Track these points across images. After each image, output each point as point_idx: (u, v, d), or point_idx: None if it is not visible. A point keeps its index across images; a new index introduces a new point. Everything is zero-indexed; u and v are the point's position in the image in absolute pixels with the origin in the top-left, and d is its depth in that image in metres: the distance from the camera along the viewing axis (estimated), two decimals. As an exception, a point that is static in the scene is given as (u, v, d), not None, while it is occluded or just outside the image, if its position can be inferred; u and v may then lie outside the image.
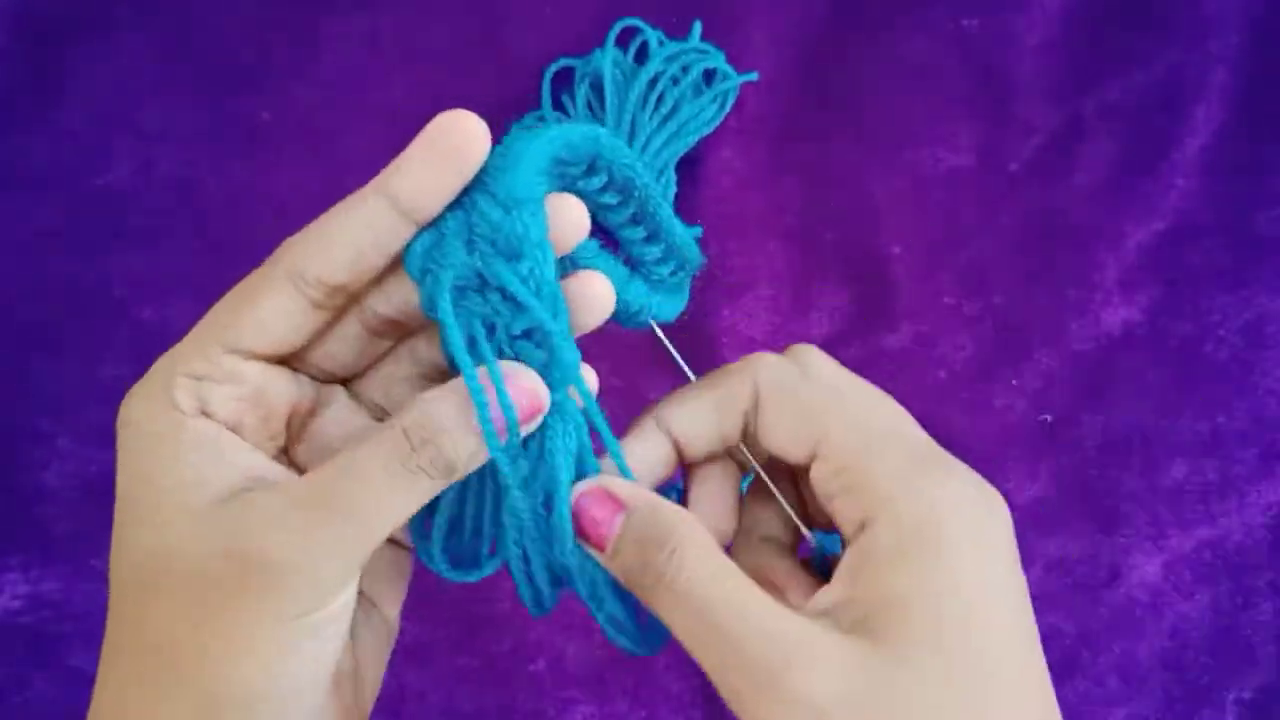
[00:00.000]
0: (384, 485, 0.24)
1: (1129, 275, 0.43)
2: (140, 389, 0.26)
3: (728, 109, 0.42)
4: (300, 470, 0.28)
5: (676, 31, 0.43)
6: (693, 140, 0.41)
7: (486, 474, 0.28)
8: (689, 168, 0.42)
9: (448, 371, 0.28)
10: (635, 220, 0.32)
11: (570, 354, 0.26)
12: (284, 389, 0.27)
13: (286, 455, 0.28)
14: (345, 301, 0.27)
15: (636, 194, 0.30)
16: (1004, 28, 0.43)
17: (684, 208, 0.42)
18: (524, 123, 0.41)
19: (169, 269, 0.42)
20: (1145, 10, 0.43)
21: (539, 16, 0.43)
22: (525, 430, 0.26)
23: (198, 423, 0.25)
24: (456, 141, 0.25)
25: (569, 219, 0.27)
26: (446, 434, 0.25)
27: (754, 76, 0.42)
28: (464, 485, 0.28)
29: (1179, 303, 0.43)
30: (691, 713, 0.42)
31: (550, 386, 0.26)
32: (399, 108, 0.42)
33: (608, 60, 0.40)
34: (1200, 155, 0.43)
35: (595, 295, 0.28)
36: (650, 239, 0.33)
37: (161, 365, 0.26)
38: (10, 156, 0.41)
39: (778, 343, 0.43)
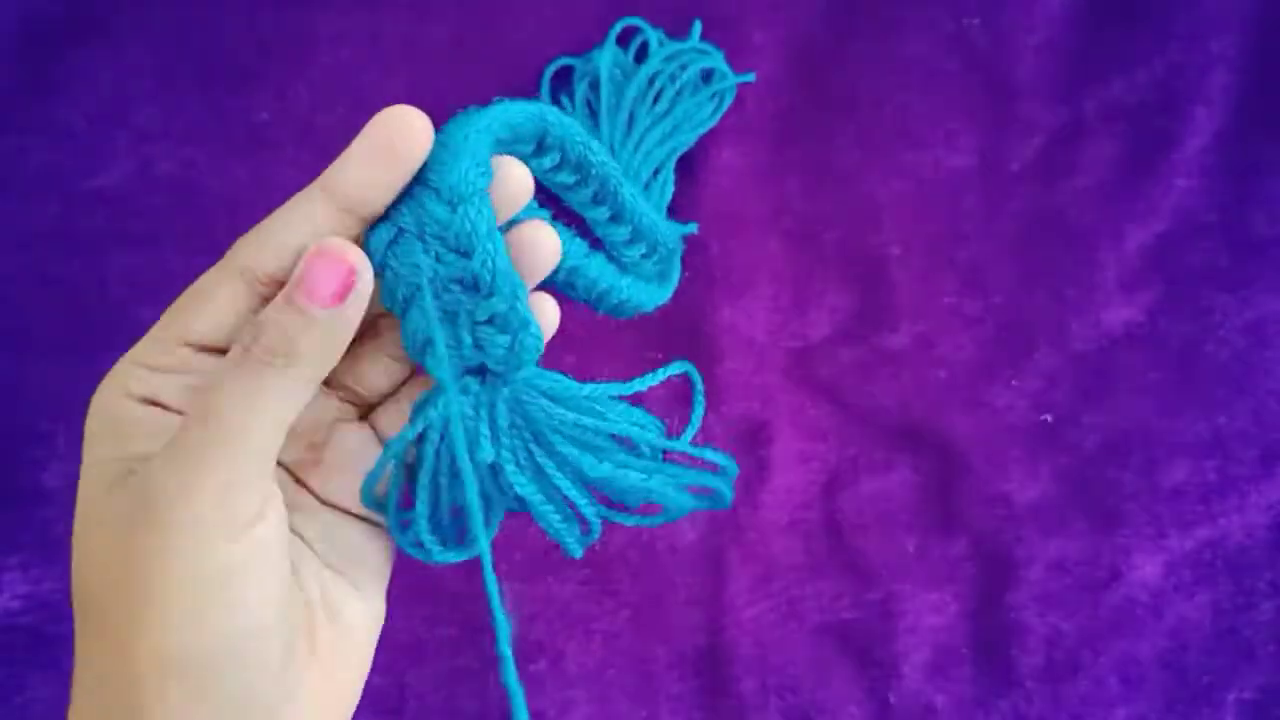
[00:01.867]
0: (235, 388, 0.24)
1: (1130, 275, 0.43)
2: (104, 382, 0.27)
3: (725, 108, 0.42)
4: (293, 476, 0.29)
5: (677, 31, 0.43)
6: (690, 139, 0.41)
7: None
8: (688, 167, 0.42)
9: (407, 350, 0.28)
10: (597, 200, 0.32)
11: (534, 338, 0.27)
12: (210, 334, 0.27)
13: (301, 485, 0.29)
14: None
15: (594, 172, 0.30)
16: (1005, 28, 0.43)
17: (684, 207, 0.42)
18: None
19: (168, 269, 0.41)
20: (1146, 10, 0.43)
21: (539, 15, 0.43)
22: (344, 308, 0.25)
23: (147, 411, 0.26)
24: (396, 138, 0.26)
25: (511, 182, 0.28)
26: (273, 319, 0.25)
27: (751, 77, 0.42)
28: (434, 460, 0.28)
29: (1180, 303, 0.43)
30: (692, 713, 0.42)
31: (516, 367, 0.27)
32: (399, 107, 0.42)
33: (606, 58, 0.40)
34: (1201, 155, 0.43)
35: (539, 242, 0.28)
36: (615, 219, 0.33)
37: (122, 359, 0.27)
38: (9, 156, 0.41)
39: (778, 343, 0.43)
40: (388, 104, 0.42)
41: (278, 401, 0.25)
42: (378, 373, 0.30)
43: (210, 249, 0.42)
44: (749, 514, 0.42)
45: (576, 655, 0.42)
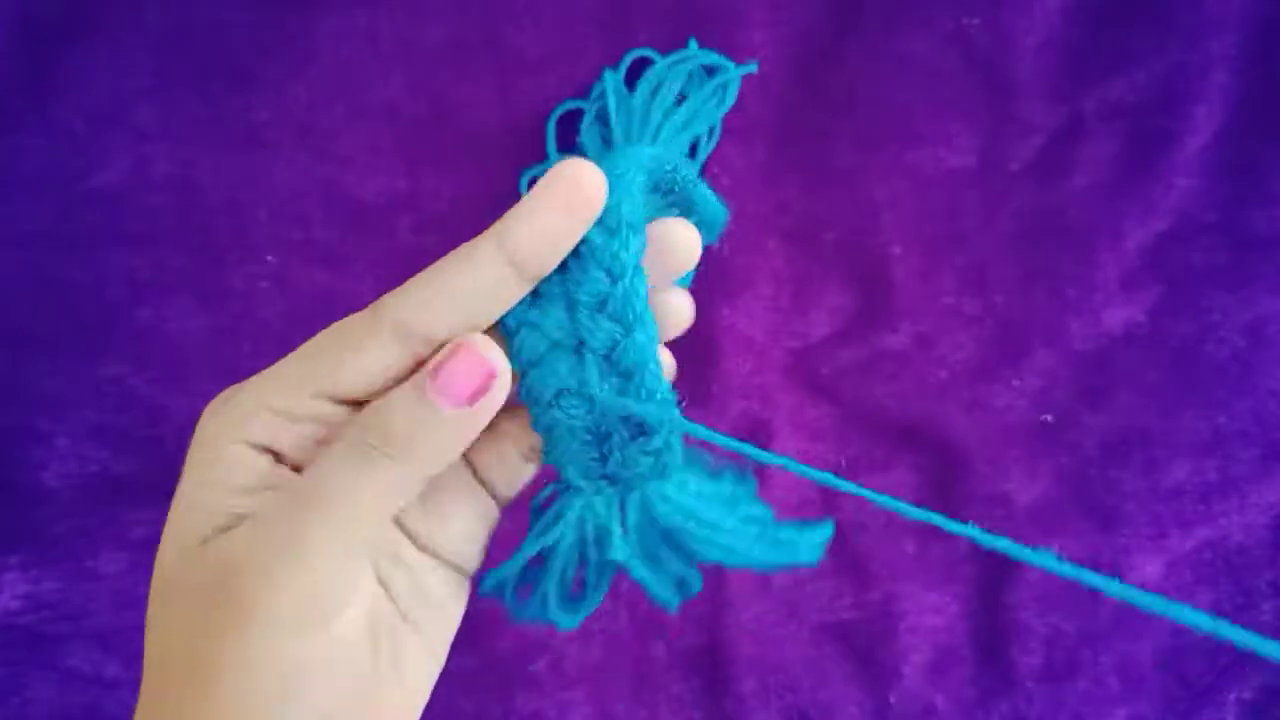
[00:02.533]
0: (348, 475, 0.24)
1: (1130, 275, 0.43)
2: (224, 408, 0.25)
3: (731, 98, 0.41)
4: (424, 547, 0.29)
5: (677, 30, 0.43)
6: (700, 130, 0.41)
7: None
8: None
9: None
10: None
11: (675, 458, 0.27)
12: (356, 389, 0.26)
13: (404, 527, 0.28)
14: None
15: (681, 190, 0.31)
16: (1005, 27, 0.43)
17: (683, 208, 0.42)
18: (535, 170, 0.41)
19: (167, 269, 0.41)
20: (1146, 10, 0.43)
21: (539, 15, 0.42)
22: (478, 411, 0.25)
23: (261, 460, 0.25)
24: (578, 192, 0.25)
25: (680, 248, 0.27)
26: (397, 409, 0.24)
27: (753, 67, 0.42)
28: (568, 556, 0.28)
29: (1180, 302, 0.43)
30: (691, 713, 0.42)
31: (651, 480, 0.27)
32: (398, 107, 0.42)
33: (610, 81, 0.40)
34: (1201, 155, 0.43)
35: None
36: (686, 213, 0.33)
37: (245, 395, 0.25)
38: (7, 156, 0.41)
39: (778, 342, 0.43)
40: (388, 104, 0.42)
41: (386, 496, 0.24)
42: (494, 455, 0.29)
43: (210, 249, 0.42)
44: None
45: (576, 655, 0.42)
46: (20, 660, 0.41)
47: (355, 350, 0.25)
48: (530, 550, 0.28)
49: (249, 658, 0.23)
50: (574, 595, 0.29)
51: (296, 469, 0.25)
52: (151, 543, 0.41)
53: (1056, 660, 0.42)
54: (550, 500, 0.29)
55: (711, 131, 0.41)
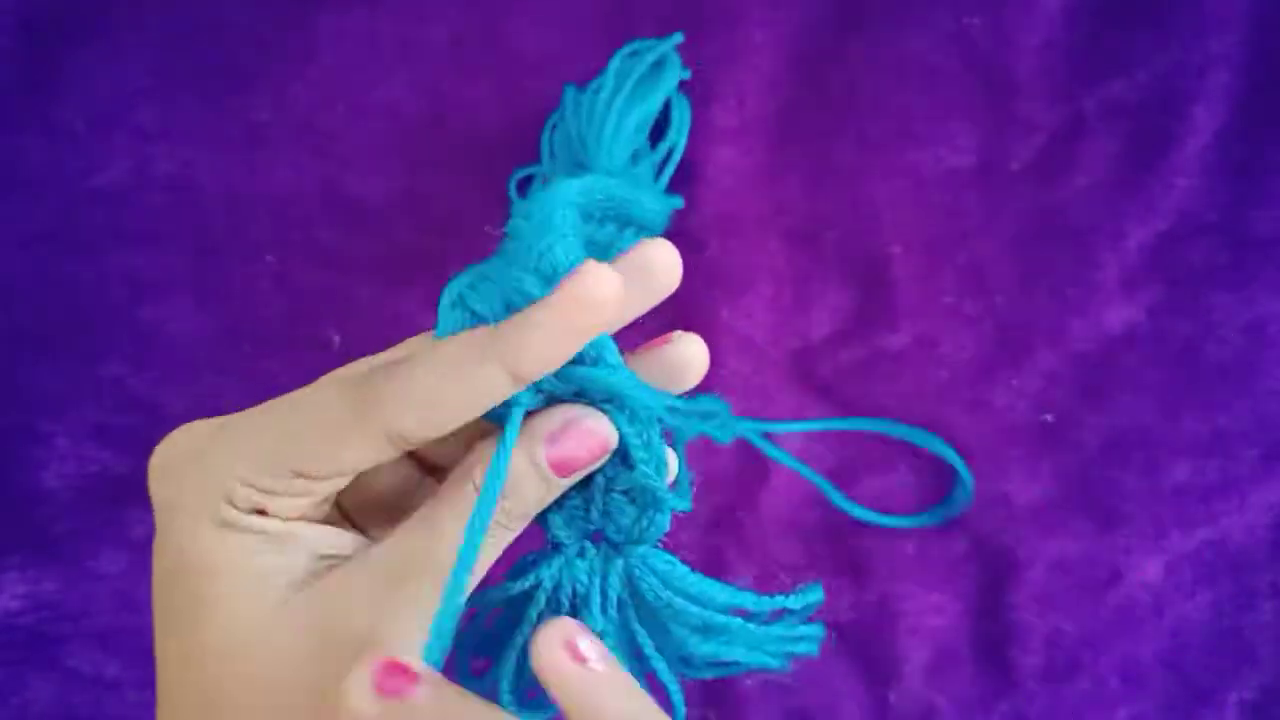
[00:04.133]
0: (486, 545, 0.24)
1: (1130, 275, 0.43)
2: (189, 480, 0.25)
3: (673, 74, 0.40)
4: (348, 519, 0.28)
5: (677, 30, 0.43)
6: (652, 108, 0.40)
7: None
8: (689, 167, 0.42)
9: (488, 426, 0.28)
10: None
11: (664, 519, 0.27)
12: (348, 479, 0.26)
13: (338, 508, 0.28)
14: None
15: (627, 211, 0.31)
16: (1005, 27, 0.43)
17: (684, 208, 0.42)
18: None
19: (168, 269, 0.41)
20: (1146, 10, 0.43)
21: (539, 15, 0.42)
22: (586, 470, 0.26)
23: (257, 520, 0.24)
24: (591, 313, 0.23)
25: (659, 269, 0.27)
26: (516, 483, 0.25)
27: (679, 37, 0.41)
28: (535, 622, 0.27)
29: (1180, 302, 0.43)
30: (690, 713, 0.42)
31: (637, 541, 0.27)
32: (398, 106, 0.42)
33: (567, 96, 0.40)
34: (1202, 154, 0.43)
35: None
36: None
37: (218, 460, 0.25)
38: (8, 157, 0.41)
39: (778, 342, 0.43)
40: (388, 104, 0.42)
41: (496, 556, 0.26)
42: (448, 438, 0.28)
43: (210, 249, 0.42)
44: (749, 514, 0.42)
45: (576, 655, 0.42)
46: (20, 660, 0.41)
47: (339, 444, 0.24)
48: (491, 598, 0.27)
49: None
50: (530, 697, 0.28)
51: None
52: (152, 543, 0.41)
53: (1057, 660, 0.42)
54: (533, 561, 0.28)
55: (670, 120, 0.41)
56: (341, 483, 0.25)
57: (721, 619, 0.28)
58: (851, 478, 0.43)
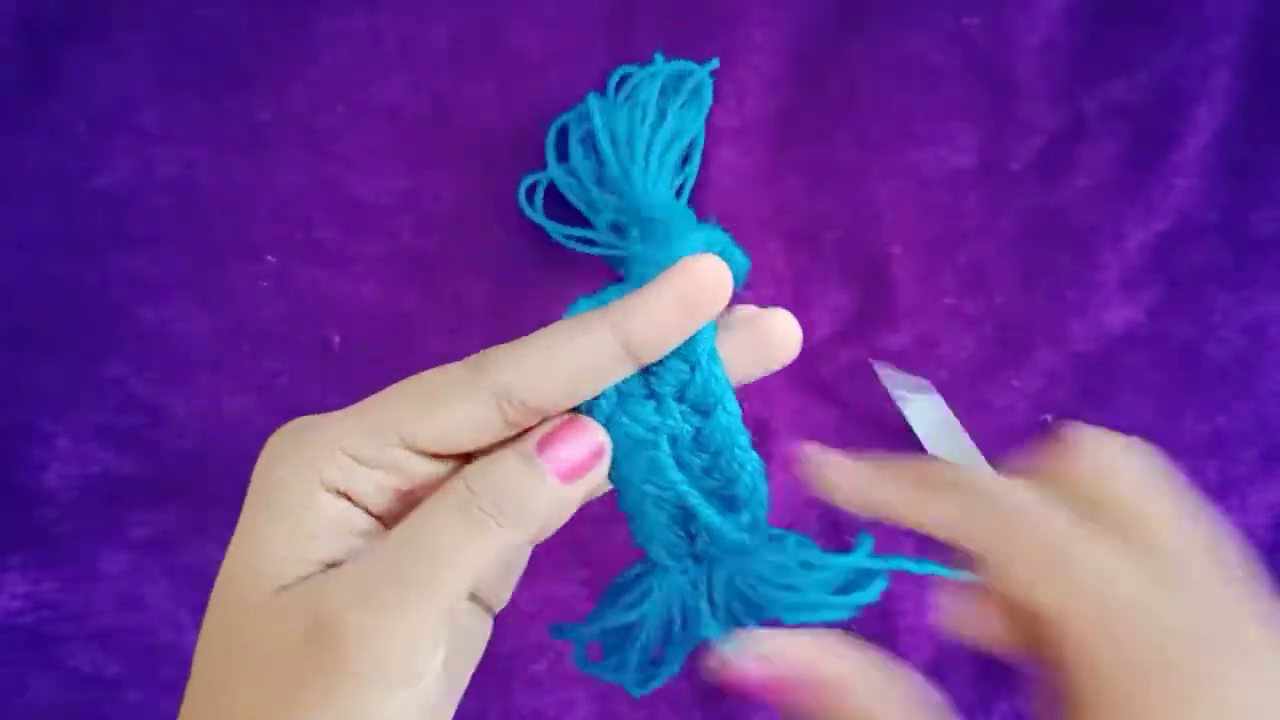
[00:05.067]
0: (453, 537, 0.24)
1: (1131, 275, 0.43)
2: (292, 447, 0.25)
3: (707, 102, 0.41)
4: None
5: (678, 29, 0.43)
6: (685, 140, 0.40)
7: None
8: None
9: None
10: None
11: (762, 536, 0.28)
12: (433, 476, 0.26)
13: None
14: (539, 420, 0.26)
15: None
16: (1006, 27, 0.43)
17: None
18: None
19: (169, 269, 0.41)
20: (1147, 10, 0.43)
21: (540, 15, 0.42)
22: (580, 484, 0.26)
23: (337, 505, 0.24)
24: (707, 295, 0.25)
25: (780, 334, 0.28)
26: (503, 473, 0.24)
27: (715, 63, 0.40)
28: (650, 637, 0.28)
29: (1181, 303, 0.43)
30: (691, 713, 0.42)
31: (737, 556, 0.27)
32: (399, 107, 0.42)
33: (593, 106, 0.39)
34: (1202, 155, 0.43)
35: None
36: None
37: (324, 434, 0.25)
38: (9, 157, 0.41)
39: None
40: (388, 104, 0.42)
41: (487, 559, 0.24)
42: None
43: (212, 249, 0.42)
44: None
45: (577, 655, 0.42)
46: (20, 660, 0.41)
47: (448, 406, 0.24)
48: (613, 622, 0.28)
49: (340, 712, 0.23)
50: (649, 666, 0.29)
51: (370, 514, 0.25)
52: (152, 543, 0.41)
53: (1057, 660, 0.42)
54: (635, 578, 0.29)
55: (693, 142, 0.41)
56: (431, 472, 0.25)
57: (817, 597, 0.28)
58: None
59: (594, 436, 0.26)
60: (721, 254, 0.30)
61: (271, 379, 0.42)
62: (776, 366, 0.28)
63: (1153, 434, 0.43)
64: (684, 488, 0.27)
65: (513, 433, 0.26)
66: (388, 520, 0.26)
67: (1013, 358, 0.43)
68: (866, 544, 0.29)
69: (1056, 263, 0.43)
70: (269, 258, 0.42)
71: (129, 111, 0.42)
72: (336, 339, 0.42)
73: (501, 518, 0.24)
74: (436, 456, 0.25)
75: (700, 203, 0.42)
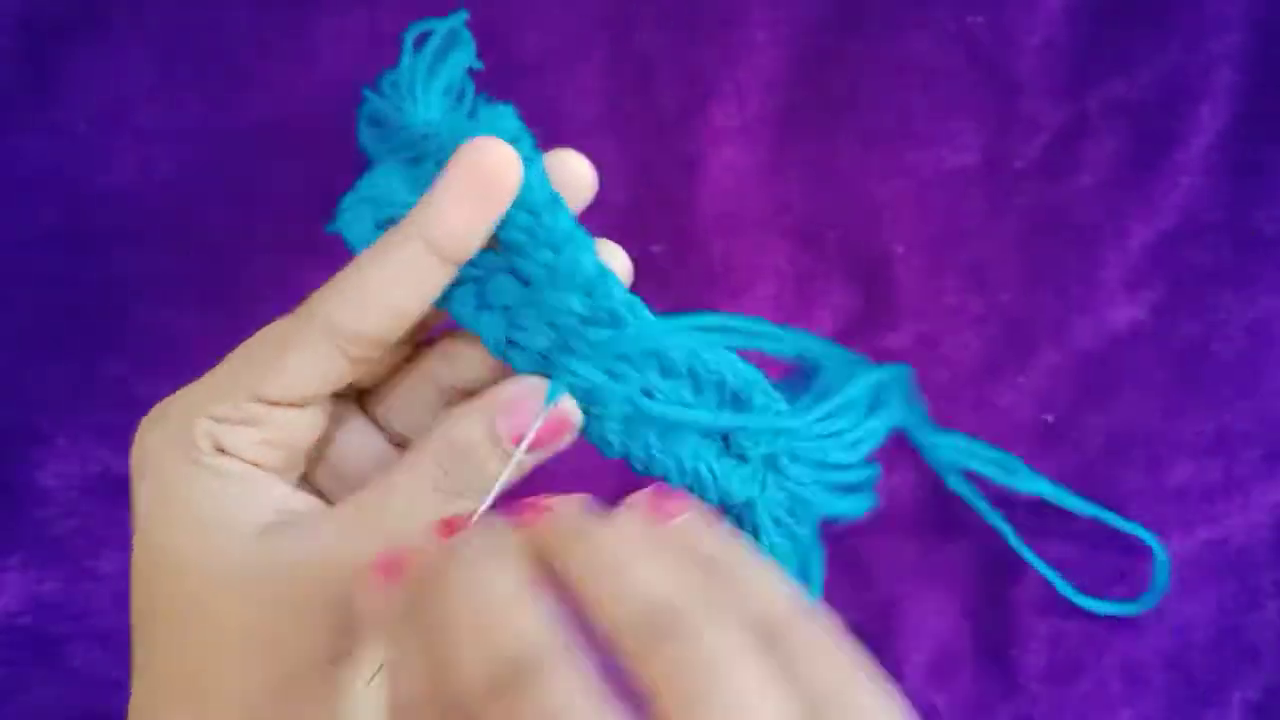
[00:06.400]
0: (427, 513, 0.24)
1: (1134, 274, 0.43)
2: (156, 428, 0.25)
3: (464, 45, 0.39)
4: (320, 495, 0.28)
5: (678, 29, 0.42)
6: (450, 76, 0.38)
7: None
8: (689, 168, 0.42)
9: (460, 394, 0.28)
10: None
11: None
12: (306, 426, 0.26)
13: (305, 481, 0.28)
14: (385, 352, 0.26)
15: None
16: (1008, 26, 0.43)
17: (684, 208, 0.42)
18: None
19: (169, 269, 0.41)
20: (1149, 8, 0.43)
21: (540, 15, 0.42)
22: (547, 452, 0.26)
23: (222, 460, 0.25)
24: (489, 173, 0.24)
25: (574, 175, 0.27)
26: (475, 455, 0.24)
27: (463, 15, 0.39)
28: None
29: (1184, 301, 0.43)
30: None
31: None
32: (399, 107, 0.42)
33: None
34: (1205, 153, 0.43)
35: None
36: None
37: (180, 405, 0.25)
38: (9, 157, 0.41)
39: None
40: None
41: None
42: (415, 404, 0.29)
43: (212, 249, 0.42)
44: (750, 514, 0.42)
45: (577, 656, 0.42)
46: (21, 660, 0.41)
47: (286, 355, 0.25)
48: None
49: (326, 680, 0.24)
50: None
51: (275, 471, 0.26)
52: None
53: (1059, 661, 0.42)
54: None
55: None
56: (298, 420, 0.26)
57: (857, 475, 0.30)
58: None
59: (567, 415, 0.25)
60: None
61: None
62: (581, 205, 0.28)
63: (1155, 433, 0.43)
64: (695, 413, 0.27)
65: (362, 370, 0.26)
66: (280, 472, 0.26)
67: (1016, 356, 0.43)
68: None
69: (1059, 261, 0.43)
70: (270, 257, 0.42)
71: (129, 111, 0.42)
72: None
73: (470, 493, 0.25)
74: (295, 405, 0.26)
75: (701, 202, 0.42)
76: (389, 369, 0.29)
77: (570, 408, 0.25)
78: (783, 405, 0.28)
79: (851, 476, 0.31)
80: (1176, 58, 0.43)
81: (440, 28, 0.35)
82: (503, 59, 0.42)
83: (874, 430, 0.31)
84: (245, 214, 0.42)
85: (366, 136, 0.33)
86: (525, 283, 0.26)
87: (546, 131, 0.42)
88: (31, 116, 0.41)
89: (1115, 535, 0.42)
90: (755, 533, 0.29)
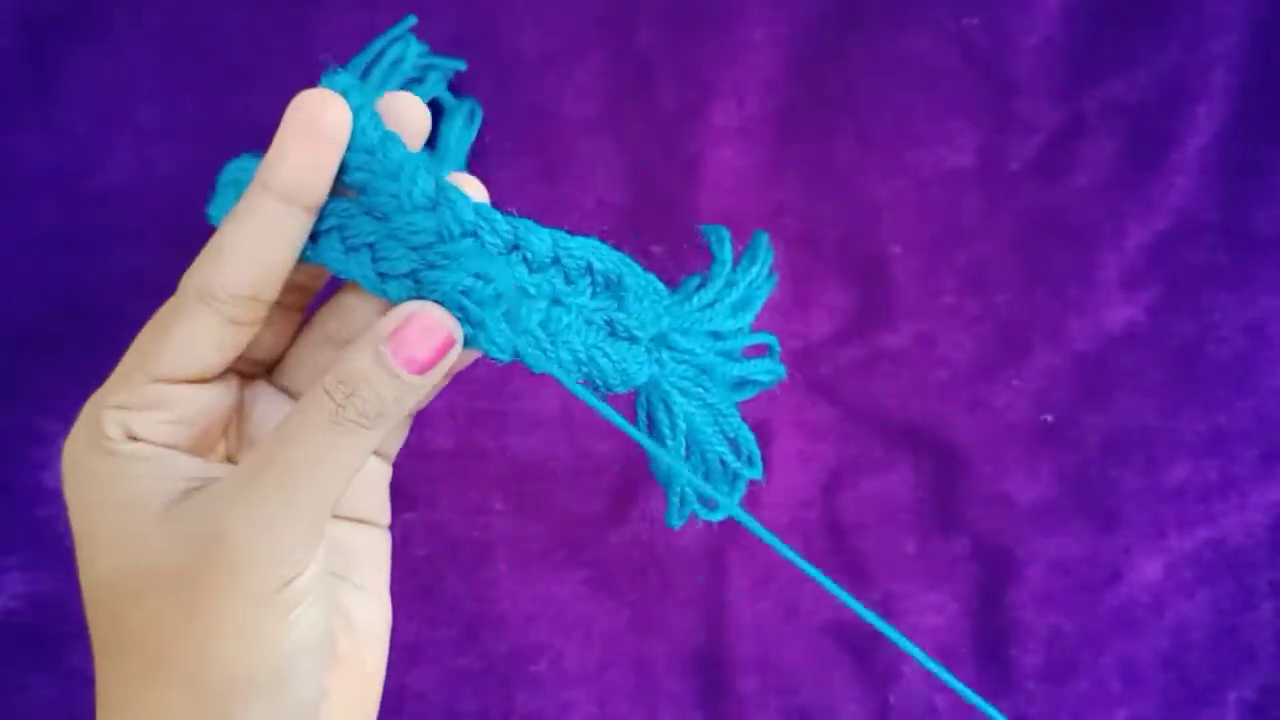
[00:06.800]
0: (323, 444, 0.25)
1: (1130, 274, 0.43)
2: (73, 432, 0.26)
3: (407, 45, 0.40)
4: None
5: (679, 30, 0.43)
6: (405, 70, 0.40)
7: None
8: (689, 168, 0.42)
9: None
10: None
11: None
12: (214, 402, 0.27)
13: (230, 462, 0.29)
14: (266, 311, 0.27)
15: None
16: (1005, 26, 0.43)
17: (684, 208, 0.42)
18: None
19: (169, 269, 0.41)
20: (1146, 9, 0.43)
21: (540, 15, 0.42)
22: (437, 371, 0.26)
23: (131, 446, 0.25)
24: (319, 118, 0.26)
25: (407, 115, 0.28)
26: (367, 382, 0.25)
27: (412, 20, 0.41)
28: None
29: (1180, 302, 0.43)
30: (692, 713, 0.42)
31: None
32: (398, 107, 0.42)
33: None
34: (1202, 154, 0.43)
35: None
36: None
37: (89, 404, 0.26)
38: (9, 156, 0.41)
39: (778, 342, 0.43)
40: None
41: (360, 458, 0.26)
42: (317, 365, 0.29)
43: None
44: (749, 514, 0.42)
45: (576, 655, 0.42)
46: (20, 660, 0.41)
47: (169, 327, 0.25)
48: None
49: (248, 603, 0.24)
50: None
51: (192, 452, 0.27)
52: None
53: (1056, 660, 0.42)
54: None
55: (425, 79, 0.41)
56: (203, 396, 0.26)
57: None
58: (851, 478, 0.43)
59: (442, 325, 0.26)
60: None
61: (271, 379, 0.42)
62: (417, 142, 0.29)
63: (1152, 433, 0.43)
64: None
65: (250, 332, 0.26)
66: (197, 452, 0.27)
67: (1012, 357, 0.43)
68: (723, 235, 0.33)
69: (1056, 262, 0.43)
70: (269, 257, 0.42)
71: (128, 110, 0.42)
72: (336, 339, 0.42)
73: (368, 420, 0.25)
74: (196, 381, 0.26)
75: (700, 202, 0.42)
76: (287, 338, 0.30)
77: (445, 319, 0.26)
78: (656, 280, 0.30)
79: (744, 340, 0.33)
80: (1173, 58, 0.43)
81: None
82: (502, 59, 0.42)
83: (752, 294, 0.33)
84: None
85: None
86: (381, 218, 0.27)
87: (545, 131, 0.42)
88: (31, 116, 0.41)
89: (1112, 534, 0.43)
90: (668, 408, 0.31)
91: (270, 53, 0.42)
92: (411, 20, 0.40)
